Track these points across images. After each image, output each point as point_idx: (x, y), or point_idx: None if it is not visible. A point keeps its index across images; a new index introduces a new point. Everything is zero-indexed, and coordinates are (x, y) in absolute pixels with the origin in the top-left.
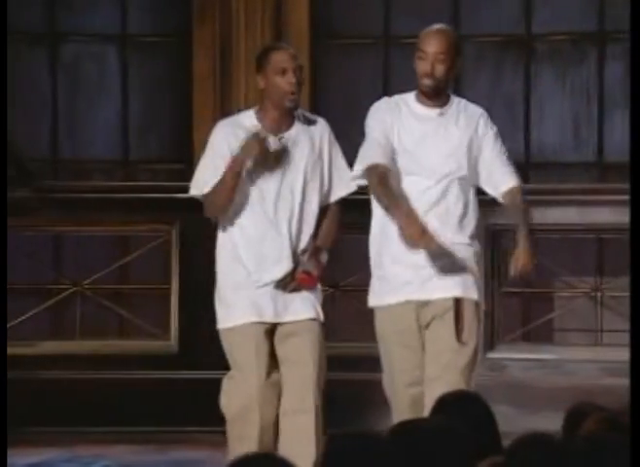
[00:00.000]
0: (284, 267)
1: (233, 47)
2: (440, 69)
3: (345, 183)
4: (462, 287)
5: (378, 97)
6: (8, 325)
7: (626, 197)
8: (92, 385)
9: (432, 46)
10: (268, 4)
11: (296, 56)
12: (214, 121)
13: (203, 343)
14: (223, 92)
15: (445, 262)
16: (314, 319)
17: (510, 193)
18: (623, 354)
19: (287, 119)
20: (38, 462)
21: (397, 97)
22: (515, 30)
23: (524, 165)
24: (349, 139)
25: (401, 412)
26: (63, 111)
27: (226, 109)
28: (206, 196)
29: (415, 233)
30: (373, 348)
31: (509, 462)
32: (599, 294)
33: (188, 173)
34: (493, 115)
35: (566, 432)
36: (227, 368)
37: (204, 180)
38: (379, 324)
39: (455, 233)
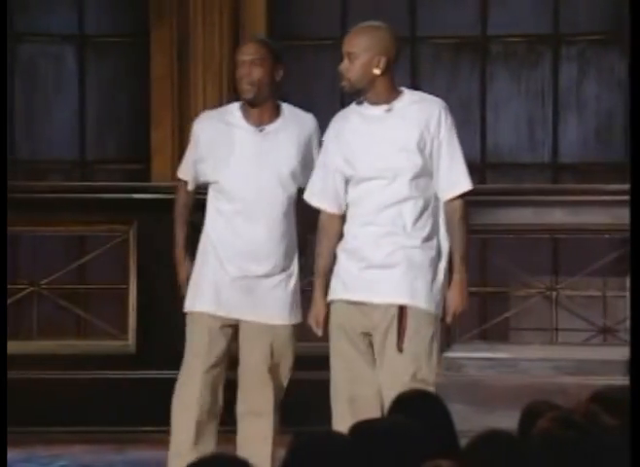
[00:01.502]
0: (262, 263)
1: (191, 47)
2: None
3: None
4: (409, 294)
5: (335, 99)
6: None
7: (580, 198)
8: (50, 385)
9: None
10: (226, 5)
11: (255, 50)
12: (172, 121)
13: (161, 343)
14: (180, 93)
15: (393, 268)
16: (282, 323)
17: (450, 205)
18: (577, 353)
19: (269, 112)
20: None
21: (348, 108)
22: (470, 32)
23: (480, 166)
24: None
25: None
26: (20, 111)
27: (183, 109)
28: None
29: (314, 320)
30: None
31: (466, 460)
32: (554, 293)
33: (145, 173)
34: None
35: (522, 430)
36: None
37: (184, 171)
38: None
39: (407, 236)
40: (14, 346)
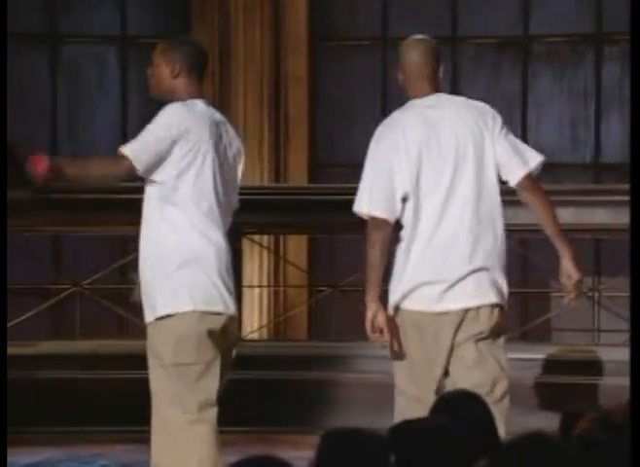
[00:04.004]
0: None
1: (232, 48)
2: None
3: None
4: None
5: (376, 99)
6: (8, 325)
7: (623, 198)
8: (92, 385)
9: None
10: (267, 6)
11: (157, 50)
12: None
13: None
14: (222, 92)
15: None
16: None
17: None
18: (618, 354)
19: None
20: (38, 462)
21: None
22: (512, 32)
23: None
24: (347, 140)
25: None
26: (63, 112)
27: (224, 108)
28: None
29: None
30: (372, 348)
31: (507, 461)
32: (596, 294)
33: None
34: None
35: (562, 431)
36: None
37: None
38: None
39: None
40: (56, 346)
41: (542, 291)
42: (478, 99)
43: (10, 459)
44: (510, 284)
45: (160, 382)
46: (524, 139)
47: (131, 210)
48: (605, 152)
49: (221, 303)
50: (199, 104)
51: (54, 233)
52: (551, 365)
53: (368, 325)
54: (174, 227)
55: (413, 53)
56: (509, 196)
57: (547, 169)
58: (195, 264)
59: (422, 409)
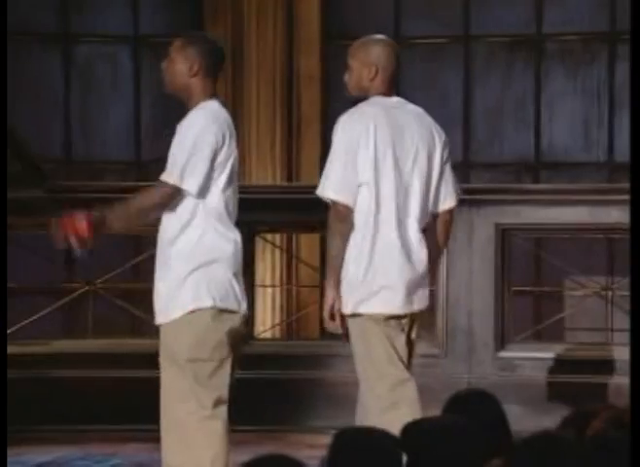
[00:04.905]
0: None
1: (245, 47)
2: None
3: (167, 169)
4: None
5: None
6: (21, 324)
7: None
8: (105, 384)
9: None
10: (279, 5)
11: (174, 45)
12: None
13: None
14: (234, 91)
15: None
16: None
17: None
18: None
19: (188, 106)
20: (51, 460)
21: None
22: (525, 30)
23: (535, 165)
24: None
25: None
26: (76, 112)
27: (237, 107)
28: None
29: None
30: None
31: (520, 460)
32: (609, 293)
33: None
34: (504, 115)
35: (576, 431)
36: None
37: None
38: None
39: None
40: (69, 345)
41: (556, 290)
42: (491, 98)
43: (23, 458)
44: (524, 284)
45: (175, 381)
46: (537, 138)
47: None
48: (618, 151)
49: (236, 301)
50: (217, 105)
51: None
52: (564, 364)
53: (327, 312)
54: (197, 226)
55: (388, 52)
56: (527, 195)
57: (560, 168)
58: (214, 262)
59: (393, 405)
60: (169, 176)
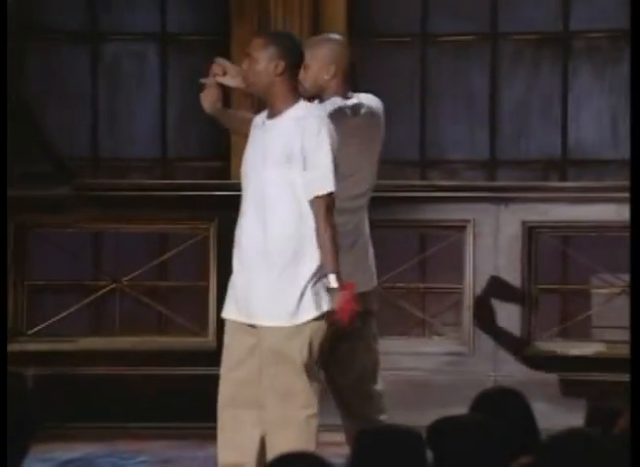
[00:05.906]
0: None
1: None
2: None
3: (319, 182)
4: None
5: (414, 95)
6: (48, 321)
7: None
8: (131, 381)
9: None
10: (306, 3)
11: (252, 44)
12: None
13: None
14: None
15: None
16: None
17: None
18: None
19: (274, 107)
20: (78, 457)
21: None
22: (552, 28)
23: (562, 163)
24: (386, 136)
25: None
26: (103, 110)
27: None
28: None
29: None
30: (409, 345)
31: (547, 458)
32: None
33: (226, 171)
34: (531, 112)
35: (603, 429)
36: None
37: None
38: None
39: None
40: (96, 343)
41: (582, 287)
42: (517, 96)
43: (50, 455)
44: (550, 281)
45: (289, 381)
46: (564, 136)
47: (171, 207)
48: None
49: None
50: (321, 107)
51: (95, 231)
52: (591, 362)
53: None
54: (311, 228)
55: (346, 52)
56: (554, 192)
57: (587, 166)
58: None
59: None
60: (321, 190)
